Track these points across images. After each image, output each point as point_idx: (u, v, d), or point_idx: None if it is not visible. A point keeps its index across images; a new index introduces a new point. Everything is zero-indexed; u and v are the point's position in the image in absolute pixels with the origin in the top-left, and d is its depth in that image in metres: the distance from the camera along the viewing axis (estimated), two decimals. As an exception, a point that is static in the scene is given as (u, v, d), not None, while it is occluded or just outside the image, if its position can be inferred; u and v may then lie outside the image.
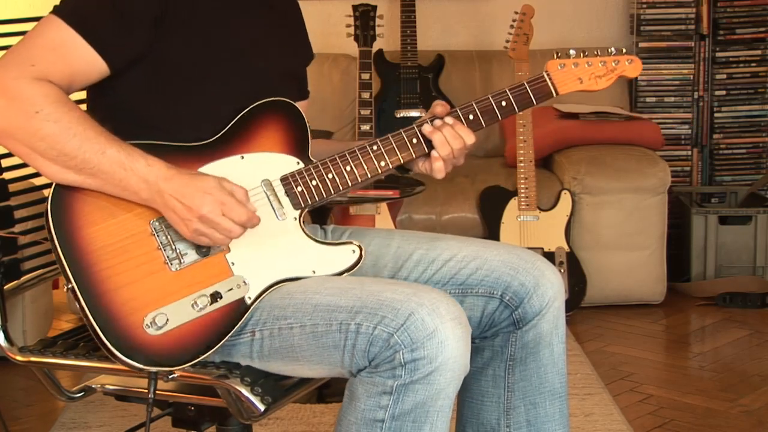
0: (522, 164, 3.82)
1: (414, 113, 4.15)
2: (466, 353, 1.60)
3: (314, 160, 1.78)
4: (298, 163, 1.78)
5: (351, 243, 1.78)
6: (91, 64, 1.68)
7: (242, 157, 1.76)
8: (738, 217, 4.15)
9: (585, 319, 3.86)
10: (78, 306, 1.62)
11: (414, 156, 1.80)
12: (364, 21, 3.72)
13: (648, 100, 4.48)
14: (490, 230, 3.85)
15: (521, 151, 3.82)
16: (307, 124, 1.82)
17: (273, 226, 1.74)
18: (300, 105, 1.84)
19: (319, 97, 4.04)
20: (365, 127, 3.70)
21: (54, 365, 1.84)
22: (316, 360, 1.66)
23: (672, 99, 4.48)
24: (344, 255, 1.77)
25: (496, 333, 1.84)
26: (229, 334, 1.68)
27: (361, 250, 1.77)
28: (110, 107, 1.76)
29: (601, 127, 4.13)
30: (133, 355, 1.63)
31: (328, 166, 1.77)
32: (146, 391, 1.67)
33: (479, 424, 1.88)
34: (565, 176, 3.94)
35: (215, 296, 1.67)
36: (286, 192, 1.76)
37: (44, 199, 1.67)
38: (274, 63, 1.87)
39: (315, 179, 1.76)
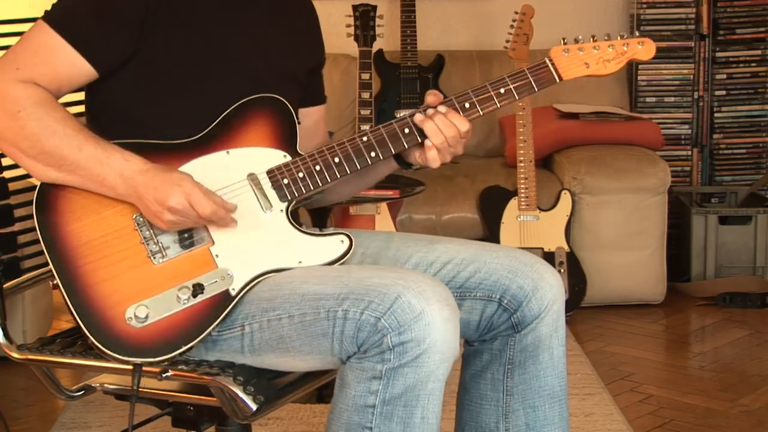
0: (522, 164, 3.82)
1: (414, 113, 4.14)
2: (455, 335, 1.60)
3: (302, 154, 1.78)
4: (285, 156, 1.78)
5: (340, 233, 1.78)
6: (78, 68, 1.71)
7: (228, 153, 1.77)
8: (738, 217, 4.15)
9: (585, 319, 3.86)
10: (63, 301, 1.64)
11: (406, 146, 1.80)
12: (364, 21, 3.71)
13: (648, 100, 4.48)
14: (490, 230, 3.85)
15: (521, 151, 3.82)
16: (296, 120, 1.82)
17: (259, 219, 1.75)
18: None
19: (319, 97, 4.03)
20: (365, 128, 3.68)
21: (51, 363, 1.84)
22: (306, 350, 1.66)
23: (672, 99, 4.48)
24: (333, 245, 1.77)
25: (494, 336, 1.84)
26: (214, 326, 1.68)
27: (350, 240, 1.77)
28: (105, 106, 1.79)
29: (601, 127, 4.12)
30: (116, 348, 1.64)
31: (316, 159, 1.77)
32: (146, 390, 1.68)
33: (478, 427, 1.87)
34: (565, 176, 3.94)
35: (197, 288, 1.68)
36: (272, 185, 1.76)
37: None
38: (273, 63, 1.87)
39: (302, 171, 1.77)
